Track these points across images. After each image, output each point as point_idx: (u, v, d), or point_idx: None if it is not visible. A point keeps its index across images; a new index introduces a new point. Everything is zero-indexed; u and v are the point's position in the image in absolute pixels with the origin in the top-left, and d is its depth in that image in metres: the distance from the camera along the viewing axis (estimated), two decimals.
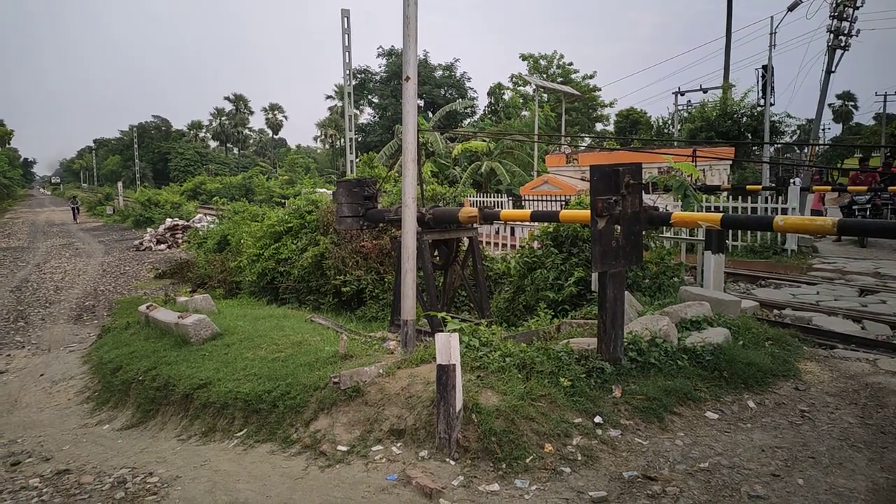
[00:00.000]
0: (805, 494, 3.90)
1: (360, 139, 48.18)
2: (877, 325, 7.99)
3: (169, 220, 30.27)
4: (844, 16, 22.75)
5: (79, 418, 7.36)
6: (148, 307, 9.69)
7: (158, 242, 26.80)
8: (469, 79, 53.89)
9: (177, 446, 5.65)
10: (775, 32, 26.22)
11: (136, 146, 66.23)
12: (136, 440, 6.16)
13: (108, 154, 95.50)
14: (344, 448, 4.73)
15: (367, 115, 56.31)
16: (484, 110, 52.08)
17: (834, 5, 22.88)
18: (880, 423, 4.92)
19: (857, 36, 23.07)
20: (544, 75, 52.13)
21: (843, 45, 23.01)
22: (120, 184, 57.60)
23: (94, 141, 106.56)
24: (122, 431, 6.60)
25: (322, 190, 22.28)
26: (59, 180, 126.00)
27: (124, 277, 19.06)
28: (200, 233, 24.16)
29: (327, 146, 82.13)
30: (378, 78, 52.14)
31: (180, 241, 26.83)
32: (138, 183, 63.65)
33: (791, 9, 24.71)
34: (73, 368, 9.44)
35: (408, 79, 6.18)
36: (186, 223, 29.15)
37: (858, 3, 22.85)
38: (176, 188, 55.16)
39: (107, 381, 7.91)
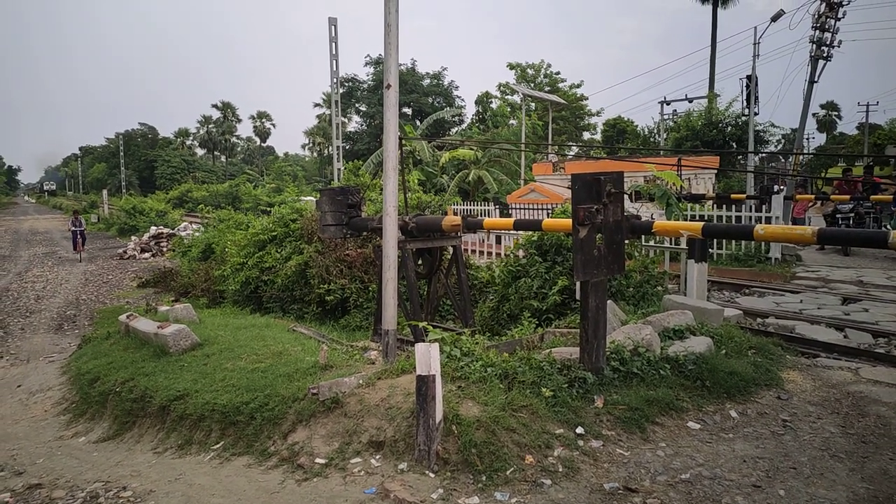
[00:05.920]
0: None
1: (347, 147, 48.12)
2: (859, 333, 8.03)
3: (153, 228, 29.99)
4: (826, 27, 23.03)
5: (55, 430, 7.21)
6: (128, 317, 9.55)
7: (142, 251, 26.53)
8: (457, 87, 54.20)
9: (152, 459, 5.54)
10: (759, 43, 26.51)
11: (121, 154, 65.80)
12: (112, 453, 6.03)
13: (93, 162, 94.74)
14: (322, 461, 4.65)
15: (354, 124, 56.30)
16: (472, 119, 52.24)
17: (816, 16, 23.17)
18: (861, 432, 4.91)
19: (839, 47, 23.38)
20: (531, 84, 52.37)
21: (825, 55, 23.29)
22: (105, 192, 57.09)
23: (80, 148, 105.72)
24: (98, 444, 6.47)
25: (307, 198, 22.20)
26: (53, 186, 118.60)
27: (107, 286, 18.82)
28: (185, 241, 23.93)
29: (315, 154, 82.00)
30: (365, 86, 52.16)
31: (165, 249, 26.56)
32: (124, 191, 63.20)
33: (774, 19, 25.02)
34: (51, 379, 9.27)
35: (389, 86, 6.15)
36: (171, 231, 28.90)
37: (840, 15, 23.15)
38: (162, 196, 54.78)
39: (84, 393, 7.76)
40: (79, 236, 25.32)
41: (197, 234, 23.46)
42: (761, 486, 4.11)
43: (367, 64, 52.01)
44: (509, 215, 21.37)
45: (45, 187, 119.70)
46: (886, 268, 13.06)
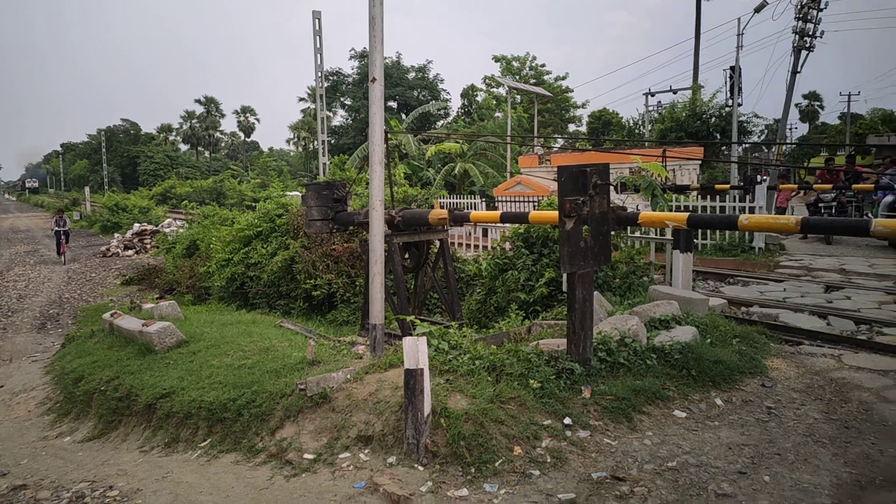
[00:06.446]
0: (771, 491, 3.91)
1: (332, 141, 47.85)
2: (842, 320, 8.12)
3: (137, 225, 29.65)
4: (809, 17, 23.20)
5: (39, 431, 7.14)
6: (112, 315, 9.46)
7: (126, 248, 26.26)
8: (442, 80, 53.86)
9: (138, 458, 5.50)
10: (742, 34, 26.68)
11: (104, 150, 65.04)
12: (98, 452, 5.99)
13: (75, 158, 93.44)
14: (310, 456, 4.64)
15: (339, 118, 55.91)
16: (457, 112, 52.13)
17: (798, 7, 23.33)
18: (844, 418, 4.98)
19: (821, 37, 23.55)
20: (517, 77, 52.36)
21: (807, 46, 23.46)
22: (87, 188, 56.40)
23: (62, 145, 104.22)
24: (83, 444, 6.41)
25: (292, 193, 22.08)
26: (36, 183, 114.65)
27: (90, 284, 18.63)
28: (169, 238, 23.67)
29: (300, 149, 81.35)
30: (351, 80, 51.84)
31: (148, 246, 26.31)
32: (106, 188, 62.49)
33: (758, 10, 25.13)
34: (34, 379, 9.17)
35: (374, 80, 6.11)
36: (155, 228, 28.58)
37: (822, 6, 23.33)
38: (145, 192, 54.11)
39: (68, 392, 7.69)
40: (62, 237, 23.43)
41: (181, 230, 23.22)
42: (746, 472, 4.15)
43: (352, 57, 51.74)
44: (496, 208, 21.38)
45: (27, 185, 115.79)
46: (868, 256, 13.21)
